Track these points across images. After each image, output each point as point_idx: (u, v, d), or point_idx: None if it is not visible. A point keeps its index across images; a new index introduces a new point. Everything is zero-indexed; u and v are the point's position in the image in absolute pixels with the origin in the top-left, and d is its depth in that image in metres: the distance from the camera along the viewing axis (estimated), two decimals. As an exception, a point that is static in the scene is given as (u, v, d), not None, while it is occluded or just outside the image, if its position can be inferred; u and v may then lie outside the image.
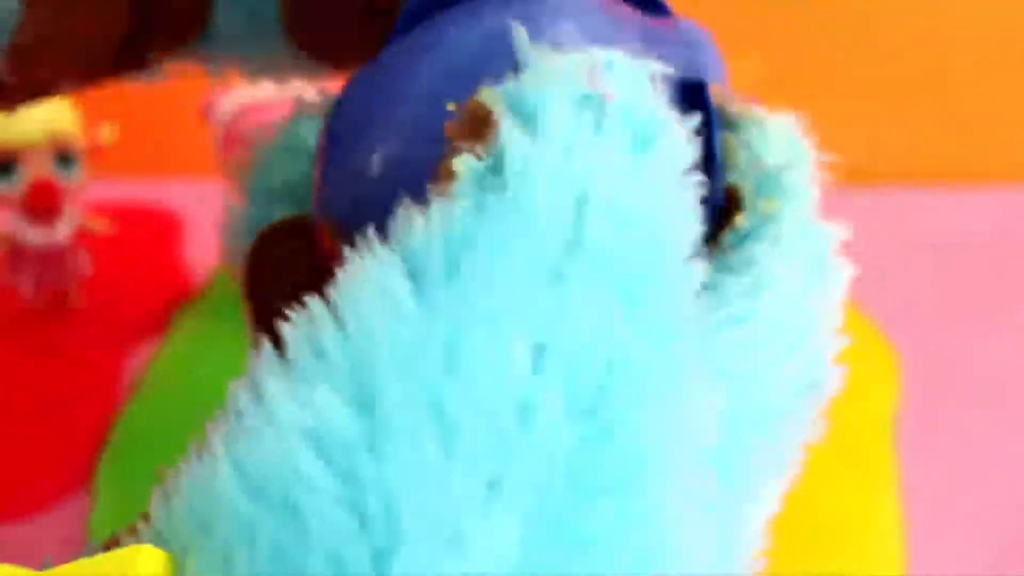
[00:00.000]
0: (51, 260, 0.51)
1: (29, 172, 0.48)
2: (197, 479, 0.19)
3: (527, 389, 0.19)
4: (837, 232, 0.27)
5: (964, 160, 0.63)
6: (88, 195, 0.51)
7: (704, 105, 0.26)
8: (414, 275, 0.20)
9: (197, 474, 0.19)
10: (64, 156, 0.49)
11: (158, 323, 0.52)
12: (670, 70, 0.23)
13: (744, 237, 0.26)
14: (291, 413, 0.19)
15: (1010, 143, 0.63)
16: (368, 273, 0.20)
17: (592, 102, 0.21)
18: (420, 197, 0.21)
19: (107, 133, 0.50)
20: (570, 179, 0.20)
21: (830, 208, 0.27)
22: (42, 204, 0.49)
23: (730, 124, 0.27)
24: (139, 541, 0.19)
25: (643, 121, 0.22)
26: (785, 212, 0.26)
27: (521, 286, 0.20)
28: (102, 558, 0.18)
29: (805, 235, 0.26)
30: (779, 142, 0.27)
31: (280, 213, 0.30)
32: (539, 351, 0.19)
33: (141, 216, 0.58)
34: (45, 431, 0.46)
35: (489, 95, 0.22)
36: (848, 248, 0.26)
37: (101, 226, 0.52)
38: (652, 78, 0.23)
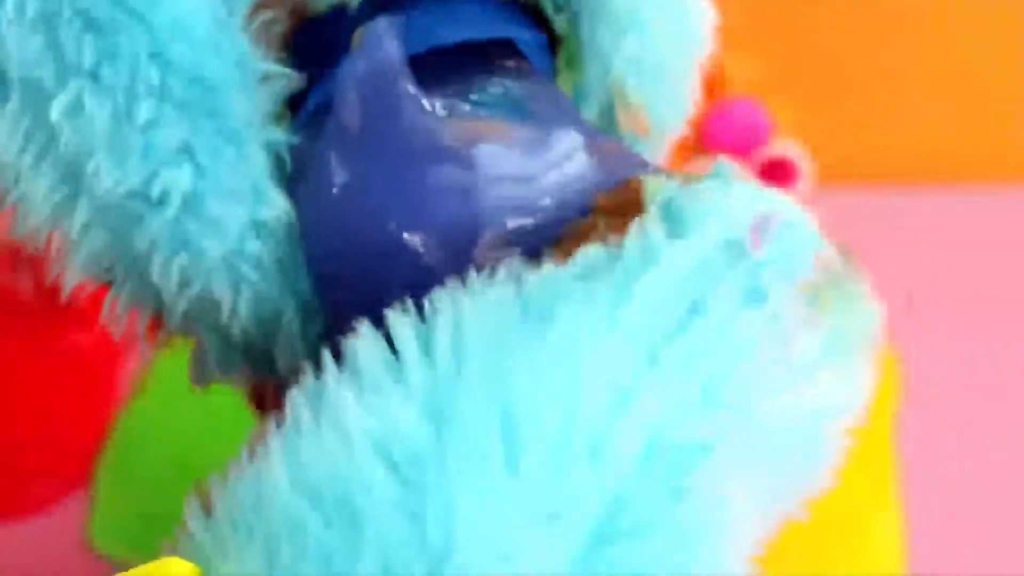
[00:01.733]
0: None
1: (29, 172, 0.48)
2: (244, 481, 0.20)
3: (600, 433, 0.20)
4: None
5: (964, 160, 0.63)
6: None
7: None
8: (528, 316, 0.21)
9: (244, 476, 0.20)
10: (64, 156, 0.49)
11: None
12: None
13: None
14: (359, 420, 0.19)
15: (1010, 143, 0.63)
16: (486, 305, 0.21)
17: (738, 247, 0.22)
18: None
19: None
20: (689, 287, 0.21)
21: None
22: (42, 204, 0.49)
23: None
24: (177, 553, 0.19)
25: (767, 288, 0.23)
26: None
27: (615, 348, 0.21)
28: (133, 572, 0.18)
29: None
30: None
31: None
32: (619, 403, 0.20)
33: (141, 216, 0.57)
34: (45, 431, 0.46)
35: (653, 185, 0.23)
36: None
37: (101, 226, 0.51)
38: (818, 254, 0.24)
